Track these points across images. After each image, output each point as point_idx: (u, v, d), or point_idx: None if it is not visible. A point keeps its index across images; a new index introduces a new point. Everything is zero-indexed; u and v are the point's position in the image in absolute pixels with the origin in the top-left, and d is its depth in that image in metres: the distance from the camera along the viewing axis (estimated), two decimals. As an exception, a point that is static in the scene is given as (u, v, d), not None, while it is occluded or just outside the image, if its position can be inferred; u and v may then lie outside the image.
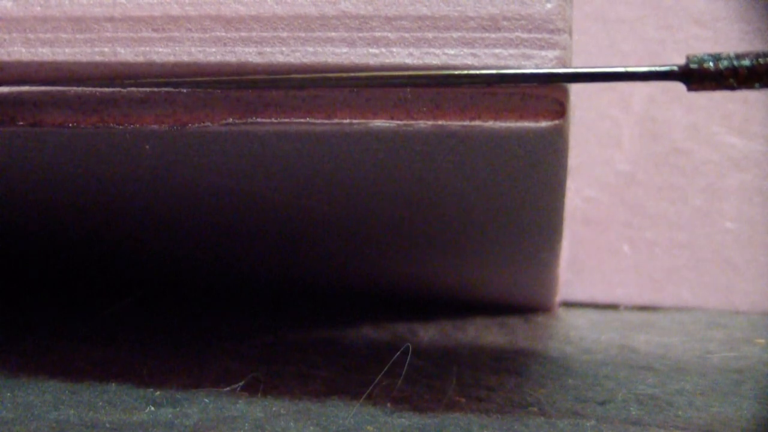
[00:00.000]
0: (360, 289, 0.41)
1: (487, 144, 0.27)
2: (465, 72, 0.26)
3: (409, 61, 0.26)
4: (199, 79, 0.26)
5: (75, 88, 0.27)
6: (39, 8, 0.27)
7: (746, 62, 0.25)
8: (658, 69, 0.26)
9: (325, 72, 0.26)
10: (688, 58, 0.26)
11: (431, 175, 0.29)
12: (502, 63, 0.26)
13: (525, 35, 0.26)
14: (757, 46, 0.42)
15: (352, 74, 0.26)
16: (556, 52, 0.26)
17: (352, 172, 0.29)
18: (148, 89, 0.27)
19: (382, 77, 0.26)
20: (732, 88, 0.26)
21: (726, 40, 0.44)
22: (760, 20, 0.41)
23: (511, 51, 0.26)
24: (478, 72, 0.26)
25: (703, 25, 0.44)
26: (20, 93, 0.27)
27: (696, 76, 0.26)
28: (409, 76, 0.26)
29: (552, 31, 0.26)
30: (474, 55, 0.26)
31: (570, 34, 0.26)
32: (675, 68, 0.26)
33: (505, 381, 0.34)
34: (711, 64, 0.26)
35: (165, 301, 0.41)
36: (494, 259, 0.38)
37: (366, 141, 0.27)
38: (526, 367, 0.36)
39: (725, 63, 0.26)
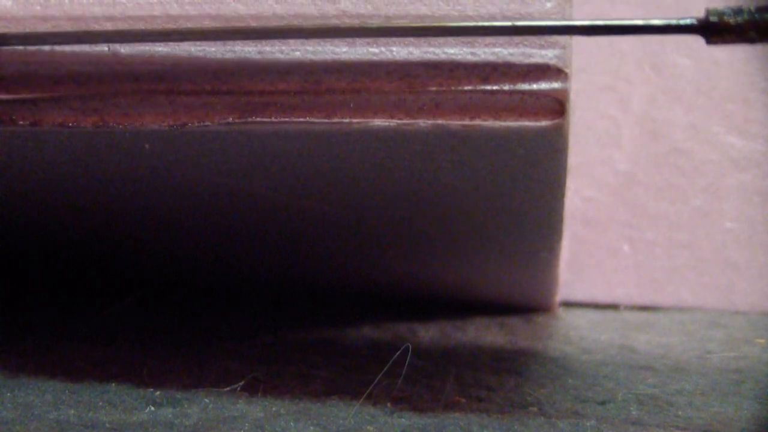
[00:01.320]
0: (360, 289, 0.41)
1: (486, 143, 0.27)
2: (480, 24, 0.26)
3: (409, 59, 0.26)
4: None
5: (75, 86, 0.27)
6: (39, 7, 0.27)
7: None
8: (676, 22, 0.25)
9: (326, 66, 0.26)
10: (707, 11, 0.25)
11: (431, 174, 0.29)
12: (502, 61, 0.26)
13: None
14: (757, 46, 0.42)
15: (358, 26, 0.26)
16: (556, 51, 0.26)
17: (352, 172, 0.29)
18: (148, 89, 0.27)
19: (389, 29, 0.26)
20: (752, 41, 0.25)
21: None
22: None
23: (511, 50, 0.26)
24: (491, 24, 0.26)
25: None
26: (20, 92, 0.27)
27: (715, 29, 0.25)
28: (420, 28, 0.26)
29: None
30: (473, 54, 0.26)
31: (570, 33, 0.26)
32: (694, 21, 0.25)
33: (505, 381, 0.34)
34: (731, 17, 0.25)
35: (165, 301, 0.41)
36: (494, 259, 0.38)
37: (366, 140, 0.27)
38: (526, 367, 0.36)
39: (746, 16, 0.25)
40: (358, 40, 0.26)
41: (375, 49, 0.26)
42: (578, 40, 0.28)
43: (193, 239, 0.37)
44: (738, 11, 0.25)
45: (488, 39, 0.26)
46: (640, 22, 0.26)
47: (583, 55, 0.44)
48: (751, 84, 0.44)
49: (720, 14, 0.25)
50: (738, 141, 0.44)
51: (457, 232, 0.35)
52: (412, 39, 0.26)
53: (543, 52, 0.26)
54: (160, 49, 0.27)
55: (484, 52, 0.26)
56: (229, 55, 0.26)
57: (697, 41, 0.44)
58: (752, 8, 0.25)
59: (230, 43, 0.26)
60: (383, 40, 0.26)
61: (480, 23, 0.26)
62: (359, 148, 0.28)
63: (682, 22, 0.26)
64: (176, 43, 0.27)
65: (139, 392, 0.32)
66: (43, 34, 0.26)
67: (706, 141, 0.45)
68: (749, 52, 0.43)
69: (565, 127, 0.26)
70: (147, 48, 0.27)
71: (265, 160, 0.29)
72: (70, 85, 0.27)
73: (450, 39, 0.26)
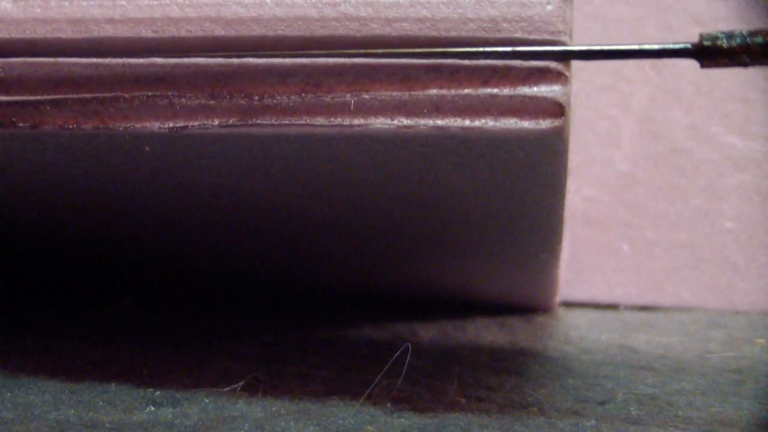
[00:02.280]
0: (360, 289, 0.41)
1: (487, 146, 0.27)
2: (480, 49, 0.26)
3: (409, 62, 0.26)
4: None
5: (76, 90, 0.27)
6: (39, 9, 0.27)
7: (759, 39, 0.25)
8: (671, 47, 0.26)
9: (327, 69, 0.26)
10: (701, 35, 0.26)
11: (431, 176, 0.29)
12: (502, 64, 0.26)
13: (525, 37, 0.26)
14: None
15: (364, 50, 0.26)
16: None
17: (352, 174, 0.29)
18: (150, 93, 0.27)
19: (395, 53, 0.26)
20: (745, 64, 0.26)
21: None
22: (760, 20, 0.41)
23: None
24: (492, 49, 0.26)
25: (703, 25, 0.44)
26: (20, 95, 0.27)
27: (709, 53, 0.26)
28: (423, 53, 0.26)
29: (552, 33, 0.26)
30: (474, 56, 0.26)
31: (570, 36, 0.26)
32: (688, 45, 0.26)
33: (505, 381, 0.34)
34: (724, 41, 0.26)
35: (165, 301, 0.41)
36: (494, 259, 0.38)
37: (366, 143, 0.27)
38: (526, 367, 0.36)
39: (738, 40, 0.26)
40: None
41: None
42: (579, 38, 0.28)
43: (193, 240, 0.37)
44: (731, 35, 0.26)
45: (489, 40, 0.26)
46: (635, 47, 0.26)
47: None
48: (751, 84, 0.44)
49: (713, 38, 0.26)
50: (738, 141, 0.44)
51: (457, 234, 0.35)
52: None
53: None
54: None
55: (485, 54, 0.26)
56: (229, 58, 0.26)
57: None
58: (744, 32, 0.25)
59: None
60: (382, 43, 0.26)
61: (480, 48, 0.26)
62: (359, 151, 0.28)
63: (676, 46, 0.26)
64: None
65: (139, 392, 0.32)
66: (47, 42, 0.26)
67: (706, 141, 0.45)
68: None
69: (566, 129, 0.26)
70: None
71: (265, 162, 0.29)
72: (70, 88, 0.27)
73: (451, 40, 0.26)
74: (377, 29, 0.26)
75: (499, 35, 0.26)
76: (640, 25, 0.45)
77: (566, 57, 0.26)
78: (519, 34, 0.26)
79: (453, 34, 0.26)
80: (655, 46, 0.26)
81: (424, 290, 0.42)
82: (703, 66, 0.26)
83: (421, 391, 0.33)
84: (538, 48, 0.26)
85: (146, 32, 0.26)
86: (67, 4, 0.27)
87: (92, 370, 0.34)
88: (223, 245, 0.37)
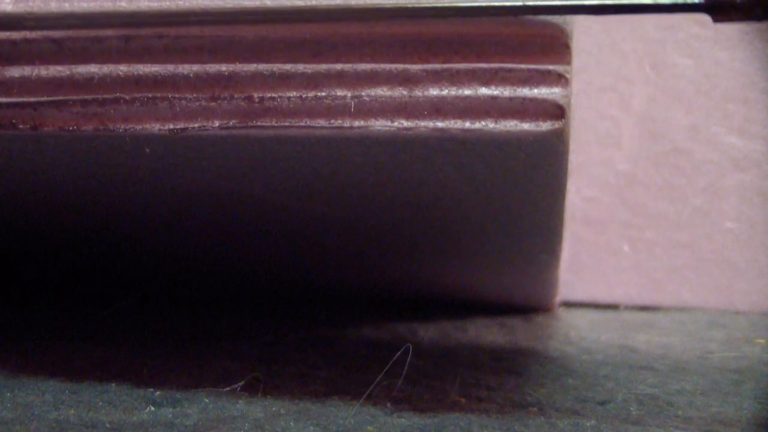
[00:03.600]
0: (360, 289, 0.41)
1: (487, 147, 0.27)
2: (488, 4, 0.26)
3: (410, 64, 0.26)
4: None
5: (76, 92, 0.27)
6: (38, 10, 0.27)
7: None
8: (684, 0, 0.25)
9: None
10: None
11: (432, 178, 0.29)
12: (502, 66, 0.26)
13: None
14: (757, 46, 0.42)
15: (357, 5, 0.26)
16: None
17: (353, 175, 0.29)
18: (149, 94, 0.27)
19: (389, 9, 0.26)
20: (759, 18, 0.25)
21: (726, 40, 0.44)
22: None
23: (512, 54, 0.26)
24: (499, 4, 0.26)
25: (703, 25, 0.44)
26: (20, 96, 0.27)
27: (722, 7, 0.25)
28: (429, 8, 0.26)
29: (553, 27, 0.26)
30: (475, 58, 0.26)
31: (571, 31, 0.26)
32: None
33: (505, 381, 0.34)
34: None
35: (165, 301, 0.41)
36: (494, 259, 0.39)
37: (366, 144, 0.27)
38: (526, 367, 0.36)
39: None
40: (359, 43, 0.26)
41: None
42: (578, 40, 0.28)
43: (193, 241, 0.37)
44: None
45: (489, 43, 0.26)
46: (648, 1, 0.25)
47: (584, 56, 0.44)
48: (751, 84, 0.44)
49: None
50: (738, 141, 0.44)
51: (457, 234, 0.35)
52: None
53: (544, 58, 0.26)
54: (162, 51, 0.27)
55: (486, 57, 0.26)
56: (229, 60, 0.26)
57: (698, 41, 0.44)
58: None
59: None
60: (383, 44, 0.26)
61: (487, 3, 0.26)
62: (360, 152, 0.28)
63: (689, 0, 0.25)
64: (176, 45, 0.27)
65: (139, 392, 0.32)
66: (55, 15, 0.26)
67: (706, 141, 0.45)
68: (749, 52, 0.43)
69: (566, 131, 0.26)
70: (148, 50, 0.27)
71: (265, 163, 0.29)
72: (70, 89, 0.27)
73: (452, 45, 0.26)
74: None
75: None
76: (640, 25, 0.45)
77: (577, 11, 0.26)
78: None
79: None
80: (668, 1, 0.25)
81: (424, 290, 0.42)
82: (716, 20, 0.25)
83: (421, 391, 0.33)
84: (548, 2, 0.25)
85: (146, 33, 0.27)
86: (67, 5, 0.27)
87: (92, 370, 0.34)
88: (223, 245, 0.37)
